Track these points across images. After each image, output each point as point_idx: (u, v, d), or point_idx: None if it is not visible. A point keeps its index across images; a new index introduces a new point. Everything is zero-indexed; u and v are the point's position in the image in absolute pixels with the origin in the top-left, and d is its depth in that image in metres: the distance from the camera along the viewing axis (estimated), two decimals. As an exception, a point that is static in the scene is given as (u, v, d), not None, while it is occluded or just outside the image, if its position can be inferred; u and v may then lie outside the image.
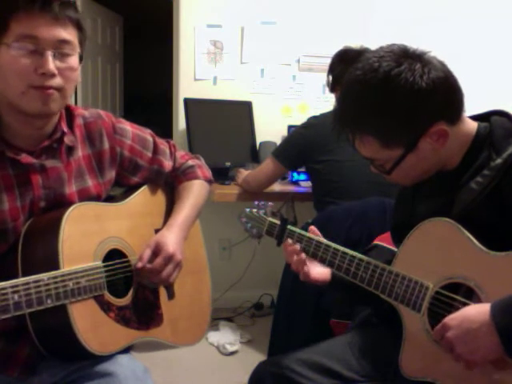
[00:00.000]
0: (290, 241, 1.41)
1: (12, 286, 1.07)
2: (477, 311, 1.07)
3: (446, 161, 1.23)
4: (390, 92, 1.15)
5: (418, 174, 1.25)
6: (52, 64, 1.17)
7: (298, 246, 1.38)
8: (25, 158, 1.23)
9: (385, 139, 1.19)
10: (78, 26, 1.23)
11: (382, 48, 1.21)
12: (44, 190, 1.27)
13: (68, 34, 1.20)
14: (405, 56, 1.17)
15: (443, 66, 1.18)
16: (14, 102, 1.19)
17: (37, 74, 1.16)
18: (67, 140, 1.30)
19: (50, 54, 1.17)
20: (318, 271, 1.39)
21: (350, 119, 1.22)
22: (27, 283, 1.09)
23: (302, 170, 2.87)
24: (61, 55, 1.19)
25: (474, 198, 1.17)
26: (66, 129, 1.30)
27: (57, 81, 1.19)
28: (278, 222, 1.48)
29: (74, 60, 1.22)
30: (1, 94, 1.21)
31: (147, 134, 1.51)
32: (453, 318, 1.10)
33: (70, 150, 1.32)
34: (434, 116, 1.16)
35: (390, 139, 1.19)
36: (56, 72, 1.18)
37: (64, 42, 1.19)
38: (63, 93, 1.22)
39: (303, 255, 1.37)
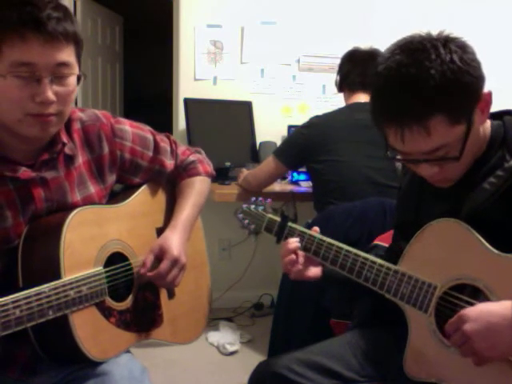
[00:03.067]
0: (293, 239, 1.39)
1: (13, 301, 1.04)
2: (498, 305, 1.05)
3: (472, 154, 1.18)
4: (447, 62, 1.08)
5: (470, 158, 1.18)
6: (50, 92, 1.10)
7: (296, 241, 1.38)
8: (23, 174, 1.18)
9: (453, 113, 1.10)
10: (76, 40, 1.15)
11: (415, 34, 1.15)
12: (46, 203, 1.24)
13: (66, 55, 1.12)
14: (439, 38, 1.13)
15: None
16: (10, 127, 1.14)
17: (34, 102, 1.10)
18: (67, 150, 1.26)
19: (47, 81, 1.10)
20: (311, 267, 1.39)
21: (415, 105, 1.10)
22: (28, 297, 1.07)
23: (302, 170, 2.87)
24: (58, 78, 1.12)
25: (486, 198, 1.16)
26: (66, 139, 1.26)
27: (55, 106, 1.13)
28: (277, 218, 1.47)
29: (72, 80, 1.15)
30: None
31: (147, 131, 1.47)
32: (471, 310, 1.07)
33: (70, 158, 1.28)
34: (482, 79, 1.13)
35: (457, 111, 1.10)
36: (55, 99, 1.12)
37: (61, 64, 1.12)
38: (61, 116, 1.17)
39: (294, 256, 1.37)
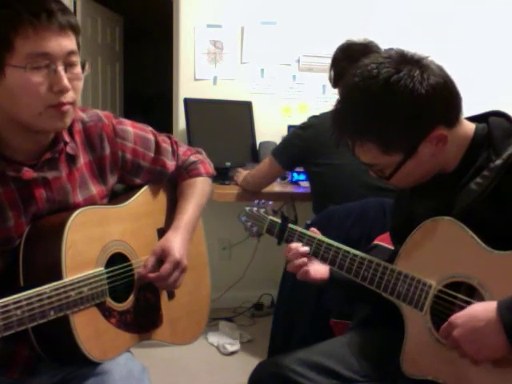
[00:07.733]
0: (296, 244, 1.40)
1: (15, 302, 1.04)
2: (483, 309, 1.07)
3: (444, 163, 1.24)
4: (390, 99, 1.15)
5: (416, 178, 1.26)
6: (66, 79, 1.13)
7: (306, 248, 1.38)
8: (26, 174, 1.19)
9: (385, 145, 1.19)
10: (77, 31, 1.18)
11: (380, 54, 1.22)
12: (48, 204, 1.24)
13: (73, 43, 1.16)
14: (403, 62, 1.17)
15: (441, 70, 1.19)
16: (29, 122, 1.15)
17: (52, 92, 1.12)
18: (69, 149, 1.27)
19: (62, 69, 1.12)
20: (317, 269, 1.40)
21: (350, 126, 1.22)
22: (30, 297, 1.07)
23: (302, 170, 2.86)
24: (69, 66, 1.15)
25: (474, 198, 1.17)
26: (67, 138, 1.26)
27: (70, 94, 1.15)
28: (278, 220, 1.48)
29: (79, 68, 1.18)
30: (4, 113, 1.15)
31: (149, 132, 1.47)
32: (459, 317, 1.10)
33: (72, 158, 1.28)
34: (434, 121, 1.17)
35: (391, 145, 1.19)
36: (70, 87, 1.14)
37: (71, 52, 1.15)
38: (75, 105, 1.19)
39: (305, 259, 1.37)
